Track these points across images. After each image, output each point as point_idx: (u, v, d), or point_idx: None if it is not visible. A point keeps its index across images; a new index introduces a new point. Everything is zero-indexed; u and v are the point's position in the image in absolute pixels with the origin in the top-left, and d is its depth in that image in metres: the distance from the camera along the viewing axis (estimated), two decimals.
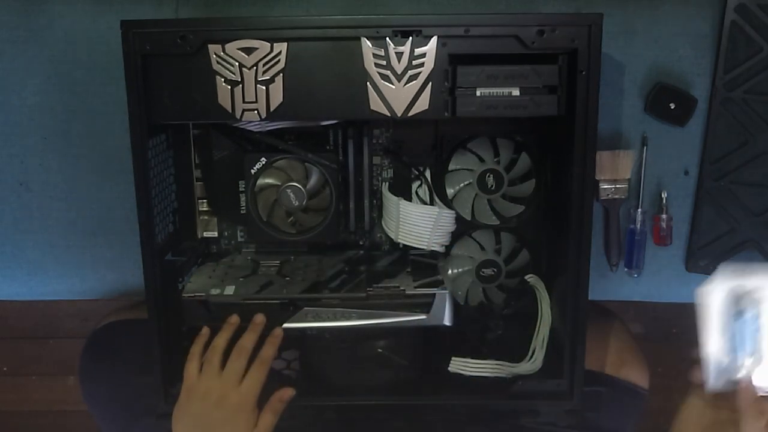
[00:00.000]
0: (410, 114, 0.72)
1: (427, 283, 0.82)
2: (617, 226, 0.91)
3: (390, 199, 0.85)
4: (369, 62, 0.70)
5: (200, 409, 0.75)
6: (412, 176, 0.89)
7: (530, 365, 0.81)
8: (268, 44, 0.70)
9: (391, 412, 0.81)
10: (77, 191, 0.92)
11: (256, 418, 0.75)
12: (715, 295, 0.69)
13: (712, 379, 0.70)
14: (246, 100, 0.71)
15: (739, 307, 0.69)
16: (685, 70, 0.87)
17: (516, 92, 0.72)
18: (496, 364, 0.81)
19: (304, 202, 0.83)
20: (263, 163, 0.83)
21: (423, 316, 0.80)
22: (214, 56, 0.70)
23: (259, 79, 0.71)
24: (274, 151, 0.84)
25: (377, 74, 0.70)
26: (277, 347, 0.79)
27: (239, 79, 0.71)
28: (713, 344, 0.69)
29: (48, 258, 0.95)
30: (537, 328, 0.82)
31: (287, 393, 0.77)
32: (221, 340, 0.78)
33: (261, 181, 0.84)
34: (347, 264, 0.88)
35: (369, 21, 0.70)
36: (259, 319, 0.80)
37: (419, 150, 0.88)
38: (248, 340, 0.78)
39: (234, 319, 0.80)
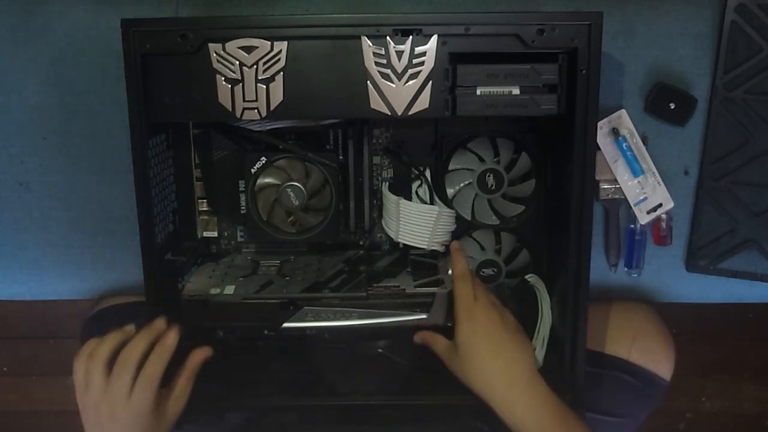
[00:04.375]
0: (410, 113, 0.72)
1: (427, 282, 0.82)
2: (617, 226, 0.91)
3: (390, 199, 0.85)
4: (369, 61, 0.70)
5: (95, 420, 0.71)
6: (412, 176, 0.89)
7: None
8: (269, 43, 0.70)
9: (391, 412, 0.81)
10: (77, 191, 0.92)
11: (160, 415, 0.72)
12: None
13: None
14: (246, 99, 0.71)
15: None
16: (685, 70, 0.87)
17: (516, 91, 0.72)
18: None
19: (304, 202, 0.83)
20: (263, 162, 0.83)
21: (423, 316, 0.80)
22: (215, 55, 0.70)
23: (260, 77, 0.71)
24: (274, 151, 0.84)
25: (377, 73, 0.70)
26: (166, 361, 0.71)
27: (239, 78, 0.71)
28: None
29: (48, 258, 0.95)
30: (537, 328, 0.82)
31: (201, 355, 0.75)
32: (104, 350, 0.70)
33: (261, 181, 0.84)
34: (347, 264, 0.88)
35: (369, 20, 0.70)
36: (158, 324, 0.73)
37: (419, 150, 0.88)
38: (134, 349, 0.71)
39: (129, 328, 0.73)
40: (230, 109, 0.72)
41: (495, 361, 0.75)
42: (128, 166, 0.73)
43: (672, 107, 0.87)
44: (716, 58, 0.86)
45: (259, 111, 0.72)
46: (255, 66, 0.70)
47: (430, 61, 0.70)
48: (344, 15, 0.71)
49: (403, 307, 0.80)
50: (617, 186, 0.89)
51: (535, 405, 0.73)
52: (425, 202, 0.87)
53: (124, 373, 0.70)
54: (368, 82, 0.71)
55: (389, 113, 0.72)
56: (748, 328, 1.63)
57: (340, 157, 0.87)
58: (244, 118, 0.72)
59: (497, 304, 0.78)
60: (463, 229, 0.88)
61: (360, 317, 0.80)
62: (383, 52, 0.70)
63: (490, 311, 0.76)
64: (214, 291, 0.81)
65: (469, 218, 0.87)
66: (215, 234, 0.91)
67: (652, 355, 0.90)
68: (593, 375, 0.80)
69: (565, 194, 0.75)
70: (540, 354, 0.81)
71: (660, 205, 0.89)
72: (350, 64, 0.70)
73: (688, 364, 1.61)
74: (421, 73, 0.71)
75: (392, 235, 0.86)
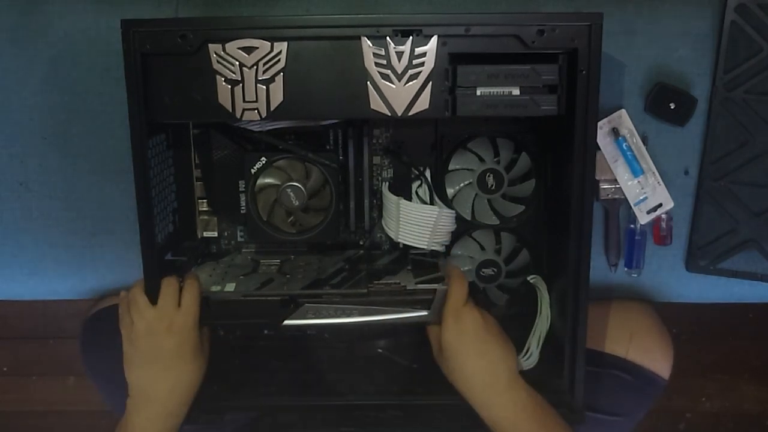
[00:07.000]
0: (410, 113, 0.72)
1: (428, 279, 0.82)
2: (617, 226, 0.91)
3: (390, 199, 0.85)
4: (369, 61, 0.70)
5: (150, 345, 0.75)
6: (412, 176, 0.89)
7: (525, 362, 0.81)
8: (269, 43, 0.70)
9: (391, 412, 0.81)
10: (77, 191, 0.92)
11: (199, 330, 0.77)
12: None
13: None
14: (246, 99, 0.71)
15: None
16: (685, 70, 0.87)
17: (516, 92, 0.72)
18: None
19: (304, 202, 0.83)
20: (263, 162, 0.83)
21: (424, 312, 0.80)
22: (215, 55, 0.70)
23: (260, 78, 0.71)
24: (274, 151, 0.83)
25: (377, 73, 0.70)
26: (197, 284, 0.79)
27: (239, 79, 0.71)
28: None
29: (48, 258, 0.95)
30: (534, 326, 0.82)
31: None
32: (137, 283, 0.77)
33: (261, 181, 0.84)
34: (347, 263, 0.88)
35: (369, 20, 0.70)
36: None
37: (419, 150, 0.88)
38: (171, 277, 0.78)
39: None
40: (230, 110, 0.72)
41: (477, 361, 0.76)
42: (128, 166, 0.73)
43: (672, 107, 0.87)
44: (716, 58, 0.86)
45: (259, 111, 0.72)
46: (255, 66, 0.70)
47: (430, 61, 0.70)
48: (344, 15, 0.71)
49: (404, 303, 0.80)
50: (617, 186, 0.89)
51: (513, 407, 0.75)
52: (425, 202, 0.87)
53: (171, 283, 0.76)
54: (368, 82, 0.71)
55: (389, 114, 0.72)
56: (748, 328, 1.64)
57: (340, 157, 0.87)
58: (244, 118, 0.72)
59: (480, 308, 0.79)
60: (463, 229, 0.88)
61: (361, 314, 0.80)
62: (383, 53, 0.70)
63: (474, 314, 0.77)
64: (215, 288, 0.81)
65: (469, 218, 0.87)
66: (215, 234, 0.91)
67: (650, 354, 0.90)
68: (591, 374, 0.81)
69: (565, 194, 0.76)
70: (535, 353, 0.81)
71: (660, 205, 0.89)
72: (350, 65, 0.70)
73: (688, 364, 1.61)
74: (421, 74, 0.71)
75: (392, 235, 0.86)
